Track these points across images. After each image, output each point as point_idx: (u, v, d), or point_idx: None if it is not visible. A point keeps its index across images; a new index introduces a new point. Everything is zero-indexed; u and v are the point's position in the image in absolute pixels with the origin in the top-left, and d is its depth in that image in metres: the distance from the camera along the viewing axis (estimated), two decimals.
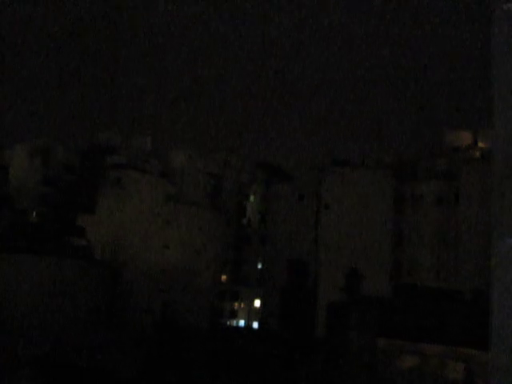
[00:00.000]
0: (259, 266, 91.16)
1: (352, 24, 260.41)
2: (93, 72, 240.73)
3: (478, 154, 72.71)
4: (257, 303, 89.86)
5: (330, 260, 70.08)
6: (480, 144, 75.53)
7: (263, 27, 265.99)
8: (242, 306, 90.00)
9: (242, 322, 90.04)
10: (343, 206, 71.58)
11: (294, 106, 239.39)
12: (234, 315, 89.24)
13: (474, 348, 30.82)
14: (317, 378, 30.70)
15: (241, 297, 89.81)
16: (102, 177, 70.88)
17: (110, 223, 64.69)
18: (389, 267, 68.71)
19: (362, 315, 35.09)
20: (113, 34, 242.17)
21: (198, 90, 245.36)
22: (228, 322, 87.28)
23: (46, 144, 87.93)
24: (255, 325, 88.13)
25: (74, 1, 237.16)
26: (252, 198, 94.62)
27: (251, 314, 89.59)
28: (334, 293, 55.09)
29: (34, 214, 77.35)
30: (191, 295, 70.58)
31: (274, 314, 70.77)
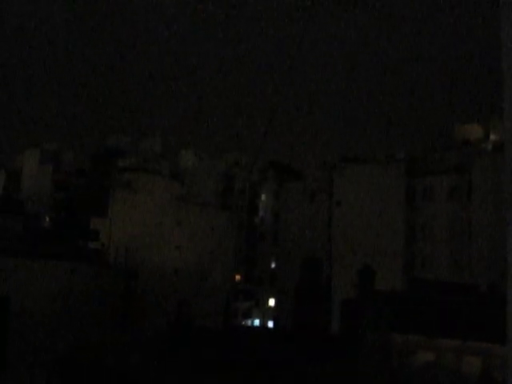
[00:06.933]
0: (273, 265, 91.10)
1: (361, 18, 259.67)
2: (101, 75, 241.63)
3: (489, 146, 72.30)
4: (271, 302, 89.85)
5: (343, 256, 70.00)
6: (492, 137, 75.12)
7: (272, 26, 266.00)
8: (257, 305, 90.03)
9: (257, 322, 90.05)
10: (355, 202, 71.46)
11: (304, 103, 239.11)
12: (249, 315, 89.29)
13: (491, 342, 30.62)
14: (332, 375, 30.63)
15: (255, 296, 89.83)
16: (113, 180, 71.10)
17: (123, 226, 64.84)
18: (402, 262, 68.53)
19: (376, 311, 34.98)
20: (121, 36, 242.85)
21: (205, 90, 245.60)
22: (243, 322, 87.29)
23: (57, 149, 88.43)
24: (270, 324, 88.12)
25: (83, 5, 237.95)
26: (264, 196, 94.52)
27: (266, 312, 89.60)
28: (348, 289, 55.03)
29: (47, 218, 77.72)
30: (205, 296, 70.64)
31: (289, 312, 70.72)
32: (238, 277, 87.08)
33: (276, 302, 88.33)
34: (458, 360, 32.22)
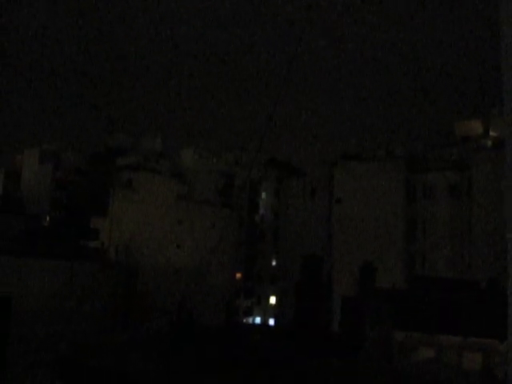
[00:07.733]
0: (274, 263, 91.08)
1: (361, 15, 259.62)
2: (101, 74, 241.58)
3: (489, 143, 72.16)
4: (272, 300, 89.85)
5: (344, 254, 69.97)
6: (492, 133, 74.96)
7: (272, 24, 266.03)
8: (258, 303, 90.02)
9: (258, 319, 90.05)
10: (355, 199, 71.39)
11: (303, 100, 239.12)
12: (250, 312, 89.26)
13: (492, 338, 30.62)
14: (333, 372, 30.63)
15: (256, 294, 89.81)
16: (114, 179, 71.06)
17: (123, 225, 64.85)
18: (402, 259, 68.48)
19: (377, 308, 34.97)
20: (122, 35, 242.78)
21: (206, 88, 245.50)
22: (244, 320, 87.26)
23: (56, 148, 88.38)
24: (271, 321, 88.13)
25: (84, 4, 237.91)
26: (264, 194, 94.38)
27: (267, 310, 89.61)
28: (349, 287, 55.05)
29: (48, 218, 77.65)
30: (206, 294, 70.66)
31: (290, 309, 70.75)
32: (238, 275, 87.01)
33: (277, 300, 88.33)
34: (458, 356, 32.21)
